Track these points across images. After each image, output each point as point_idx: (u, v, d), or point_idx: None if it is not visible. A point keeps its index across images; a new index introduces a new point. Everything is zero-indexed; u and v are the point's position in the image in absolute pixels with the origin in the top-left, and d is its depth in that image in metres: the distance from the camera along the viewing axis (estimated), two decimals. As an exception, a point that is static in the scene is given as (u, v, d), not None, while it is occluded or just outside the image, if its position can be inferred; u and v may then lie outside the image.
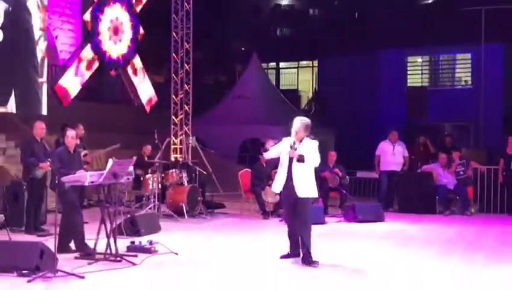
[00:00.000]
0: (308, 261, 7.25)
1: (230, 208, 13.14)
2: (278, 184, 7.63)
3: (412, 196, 13.02)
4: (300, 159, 7.31)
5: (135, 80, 14.55)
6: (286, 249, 7.66)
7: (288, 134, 7.60)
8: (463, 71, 24.01)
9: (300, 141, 7.47)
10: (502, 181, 12.94)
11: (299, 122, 7.53)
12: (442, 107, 21.43)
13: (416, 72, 24.77)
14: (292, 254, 7.60)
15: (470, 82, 23.48)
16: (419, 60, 25.05)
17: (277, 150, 7.76)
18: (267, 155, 7.85)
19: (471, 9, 19.11)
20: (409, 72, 24.47)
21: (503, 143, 13.73)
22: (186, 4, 15.44)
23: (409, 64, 24.62)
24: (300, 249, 7.46)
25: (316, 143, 7.54)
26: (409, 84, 23.73)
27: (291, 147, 7.42)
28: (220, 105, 21.30)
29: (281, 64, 29.48)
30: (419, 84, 23.78)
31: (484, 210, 13.19)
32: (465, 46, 22.50)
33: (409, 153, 13.79)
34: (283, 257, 7.62)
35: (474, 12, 19.21)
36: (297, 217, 7.47)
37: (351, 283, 6.52)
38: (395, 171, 13.43)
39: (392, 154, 13.48)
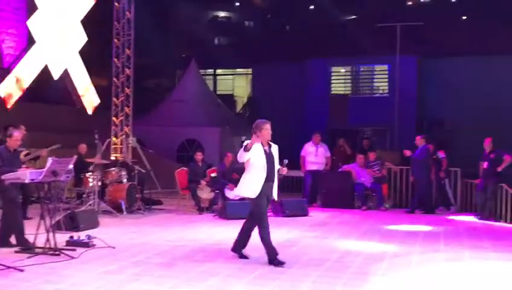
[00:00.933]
0: (277, 261, 6.88)
1: (167, 204, 13.00)
2: (256, 187, 6.98)
3: (333, 193, 13.22)
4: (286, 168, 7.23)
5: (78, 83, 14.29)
6: (220, 241, 7.58)
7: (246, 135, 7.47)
8: (381, 81, 24.59)
9: (269, 146, 7.16)
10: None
11: (267, 125, 7.12)
12: (362, 113, 21.92)
13: (340, 81, 25.21)
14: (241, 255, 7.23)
15: (386, 90, 24.07)
16: (343, 70, 25.51)
17: (250, 154, 7.02)
18: (242, 159, 7.10)
19: (388, 25, 19.62)
20: (332, 81, 24.87)
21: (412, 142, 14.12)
22: (127, 13, 15.31)
23: (333, 73, 25.03)
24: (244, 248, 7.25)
25: (276, 146, 7.25)
26: (332, 92, 24.14)
27: (283, 165, 7.26)
28: (159, 107, 21.06)
29: (218, 71, 29.46)
30: (343, 92, 24.23)
31: (397, 205, 13.60)
32: (382, 58, 23.07)
33: (331, 154, 14.00)
34: (241, 256, 7.25)
35: (390, 28, 19.74)
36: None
37: (274, 270, 6.54)
38: (318, 170, 13.61)
39: (315, 155, 13.67)
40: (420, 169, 12.66)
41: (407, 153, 12.65)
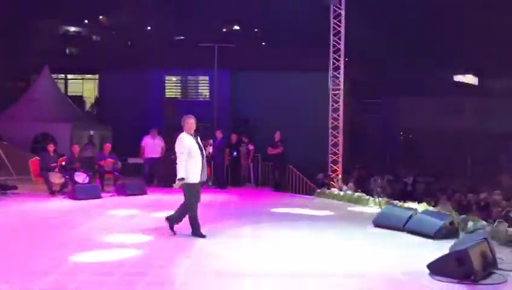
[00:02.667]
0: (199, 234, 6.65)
1: (22, 189, 11.66)
2: (196, 174, 6.53)
3: (168, 175, 12.85)
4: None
5: None
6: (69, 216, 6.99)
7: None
8: (203, 88, 24.74)
9: (197, 137, 6.75)
10: (228, 163, 13.57)
11: (190, 119, 6.73)
12: (189, 113, 21.66)
13: (172, 87, 24.90)
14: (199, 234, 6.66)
15: (208, 96, 24.29)
16: (174, 78, 25.20)
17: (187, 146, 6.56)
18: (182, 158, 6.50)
19: (209, 45, 19.76)
20: (166, 87, 24.50)
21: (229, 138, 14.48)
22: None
23: (166, 81, 24.62)
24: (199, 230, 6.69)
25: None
26: (166, 95, 23.78)
27: (211, 145, 6.84)
28: (16, 106, 18.92)
29: (69, 76, 27.38)
30: (174, 96, 23.96)
31: (216, 183, 13.77)
32: (204, 70, 23.26)
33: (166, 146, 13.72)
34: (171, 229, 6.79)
35: (211, 48, 19.89)
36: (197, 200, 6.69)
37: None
38: (155, 157, 13.27)
39: (152, 145, 13.32)
40: (218, 154, 12.96)
41: (210, 142, 13.10)
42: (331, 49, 13.05)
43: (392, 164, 24.94)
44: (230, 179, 13.52)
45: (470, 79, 46.79)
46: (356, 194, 10.50)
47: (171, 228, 6.80)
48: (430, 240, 6.83)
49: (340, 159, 12.76)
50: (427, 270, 5.21)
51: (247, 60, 22.50)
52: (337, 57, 13.05)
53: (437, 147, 27.23)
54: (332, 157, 12.84)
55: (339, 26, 12.92)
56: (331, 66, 13.08)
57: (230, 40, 21.59)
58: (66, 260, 5.40)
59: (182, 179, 6.50)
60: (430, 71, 38.35)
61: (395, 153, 29.07)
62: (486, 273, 5.09)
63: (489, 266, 5.21)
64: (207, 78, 24.11)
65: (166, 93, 24.24)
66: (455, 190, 14.48)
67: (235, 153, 13.53)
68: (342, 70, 12.98)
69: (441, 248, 6.33)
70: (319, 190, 11.57)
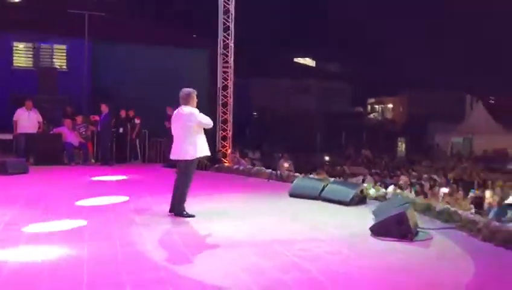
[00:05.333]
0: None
1: None
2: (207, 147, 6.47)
3: (46, 152, 11.73)
4: None
5: None
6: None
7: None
8: (60, 58, 22.48)
9: None
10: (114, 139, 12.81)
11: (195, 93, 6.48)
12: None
13: (21, 55, 22.05)
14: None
15: (65, 67, 22.15)
16: (22, 45, 22.32)
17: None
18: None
19: (77, 12, 17.85)
20: (15, 55, 21.62)
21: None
22: None
23: (14, 48, 21.71)
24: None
25: None
26: (14, 65, 21.06)
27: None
28: None
29: None
30: (24, 65, 21.30)
31: (99, 160, 12.89)
32: (63, 39, 21.14)
33: (43, 119, 12.31)
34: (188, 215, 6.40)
35: (78, 15, 17.97)
36: None
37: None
38: (31, 132, 11.84)
39: (27, 119, 11.84)
40: (104, 129, 12.24)
41: (96, 117, 12.29)
42: (221, 28, 13.14)
43: (252, 142, 26.21)
44: (116, 156, 12.81)
45: (309, 62, 51.26)
46: (255, 168, 10.92)
47: (186, 214, 6.38)
48: (344, 207, 7.57)
49: (229, 135, 13.06)
50: (369, 232, 5.85)
51: (115, 31, 21.12)
52: (226, 36, 13.20)
53: (289, 125, 29.43)
54: (222, 133, 13.06)
55: (229, 4, 13.04)
56: (220, 45, 13.18)
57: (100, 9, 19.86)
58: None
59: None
60: (274, 53, 40.92)
61: (252, 132, 30.51)
62: (416, 232, 5.94)
63: (416, 225, 6.09)
64: (64, 47, 22.02)
65: (14, 62, 21.49)
66: (323, 164, 16.06)
67: (121, 129, 12.84)
68: (231, 49, 13.18)
69: (361, 213, 7.14)
70: (216, 165, 11.70)
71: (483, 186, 13.00)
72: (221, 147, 12.90)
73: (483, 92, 40.16)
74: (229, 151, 12.85)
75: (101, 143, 12.32)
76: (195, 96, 6.49)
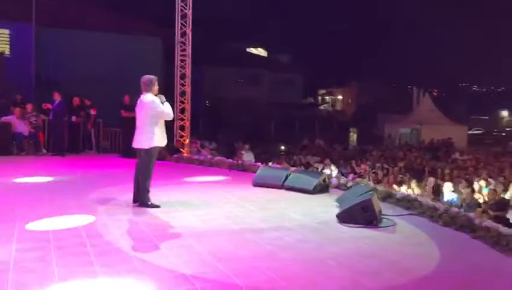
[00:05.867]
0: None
1: None
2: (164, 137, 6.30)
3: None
4: None
5: None
6: None
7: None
8: (3, 43, 21.22)
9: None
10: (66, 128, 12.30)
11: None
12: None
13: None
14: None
15: (8, 52, 20.94)
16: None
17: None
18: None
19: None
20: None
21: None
22: None
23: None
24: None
25: None
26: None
27: (162, 103, 5.77)
28: None
29: None
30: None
31: (51, 150, 12.36)
32: (4, 23, 19.99)
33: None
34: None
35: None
36: None
37: None
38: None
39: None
40: (57, 118, 11.78)
41: (48, 105, 11.78)
42: (178, 15, 12.86)
43: (207, 132, 25.98)
44: (69, 146, 12.31)
45: (261, 52, 51.36)
46: (216, 157, 10.84)
47: (151, 204, 6.24)
48: (308, 195, 7.67)
49: (187, 125, 12.86)
50: (336, 219, 5.97)
51: (64, 16, 20.21)
52: (184, 23, 12.94)
53: (242, 115, 29.41)
54: (180, 122, 12.84)
55: (186, -10, 12.78)
56: (178, 32, 12.91)
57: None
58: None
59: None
60: (226, 42, 40.69)
61: (205, 121, 30.23)
62: (380, 219, 6.12)
63: (380, 212, 6.26)
64: (8, 31, 20.82)
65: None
66: (279, 153, 16.20)
67: (73, 118, 12.34)
68: (189, 38, 12.95)
69: (325, 201, 7.26)
70: (176, 155, 11.48)
71: (434, 174, 13.53)
72: (179, 137, 12.70)
73: (428, 85, 42.19)
74: (187, 141, 12.67)
75: (53, 132, 11.79)
76: (156, 83, 6.33)
